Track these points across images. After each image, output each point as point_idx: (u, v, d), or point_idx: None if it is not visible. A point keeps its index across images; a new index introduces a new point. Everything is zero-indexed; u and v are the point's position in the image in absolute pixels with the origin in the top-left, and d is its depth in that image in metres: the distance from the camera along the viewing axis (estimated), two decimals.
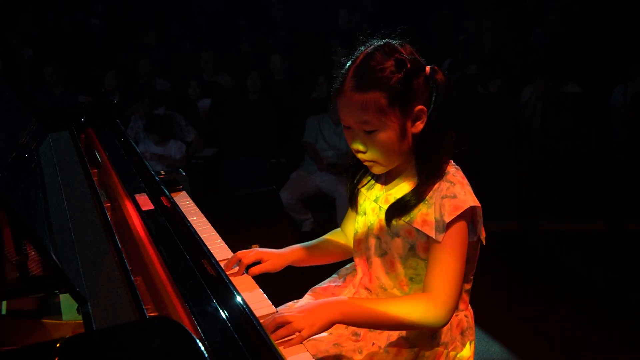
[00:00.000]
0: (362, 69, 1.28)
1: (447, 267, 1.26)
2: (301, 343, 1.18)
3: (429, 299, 1.25)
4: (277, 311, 1.31)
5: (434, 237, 1.28)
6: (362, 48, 1.33)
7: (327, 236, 1.64)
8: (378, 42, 1.32)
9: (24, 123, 1.66)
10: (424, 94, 1.29)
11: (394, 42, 1.32)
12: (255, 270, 1.48)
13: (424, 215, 1.30)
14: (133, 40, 7.83)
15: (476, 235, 1.33)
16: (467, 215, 1.29)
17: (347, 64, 1.32)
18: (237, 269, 1.48)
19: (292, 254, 1.54)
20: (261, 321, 1.07)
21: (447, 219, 1.26)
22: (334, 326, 1.43)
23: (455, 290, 1.26)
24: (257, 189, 3.74)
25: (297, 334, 1.17)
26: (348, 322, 1.26)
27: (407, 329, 1.33)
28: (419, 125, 1.30)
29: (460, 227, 1.28)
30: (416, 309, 1.24)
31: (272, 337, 1.19)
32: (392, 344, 1.36)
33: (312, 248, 1.58)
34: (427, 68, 1.31)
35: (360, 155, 1.35)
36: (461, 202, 1.27)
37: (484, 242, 1.37)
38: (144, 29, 8.01)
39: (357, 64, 1.29)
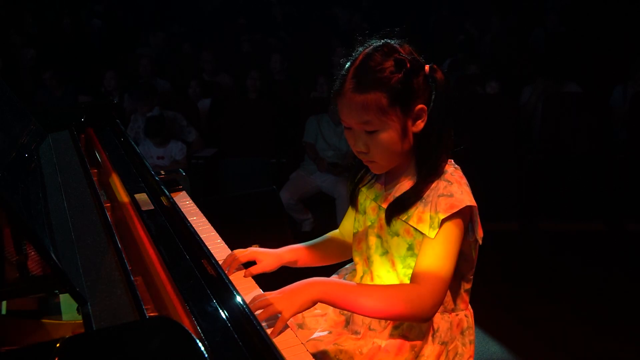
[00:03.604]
0: (361, 70, 1.28)
1: (436, 262, 1.25)
2: (286, 326, 1.19)
3: (414, 290, 1.23)
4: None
5: (427, 234, 1.28)
6: (361, 49, 1.33)
7: (324, 237, 1.63)
8: (377, 43, 1.32)
9: (24, 123, 1.65)
10: (424, 92, 1.30)
11: (392, 42, 1.32)
12: (252, 270, 1.48)
13: (420, 213, 1.31)
14: (134, 40, 7.83)
15: (473, 235, 1.33)
16: (464, 215, 1.29)
17: (347, 65, 1.32)
18: (230, 267, 1.49)
19: (288, 253, 1.54)
20: None
21: (442, 216, 1.26)
22: (334, 325, 1.44)
23: (443, 286, 1.25)
24: (257, 189, 3.74)
25: (279, 316, 1.18)
26: (328, 302, 1.24)
27: (388, 317, 1.30)
28: (420, 124, 1.30)
29: (455, 225, 1.27)
30: (401, 298, 1.22)
31: None
32: (392, 343, 1.36)
33: (310, 248, 1.58)
34: (427, 67, 1.31)
35: (361, 156, 1.35)
36: (457, 201, 1.27)
37: (480, 242, 1.37)
38: (145, 29, 8.01)
39: (357, 65, 1.30)
